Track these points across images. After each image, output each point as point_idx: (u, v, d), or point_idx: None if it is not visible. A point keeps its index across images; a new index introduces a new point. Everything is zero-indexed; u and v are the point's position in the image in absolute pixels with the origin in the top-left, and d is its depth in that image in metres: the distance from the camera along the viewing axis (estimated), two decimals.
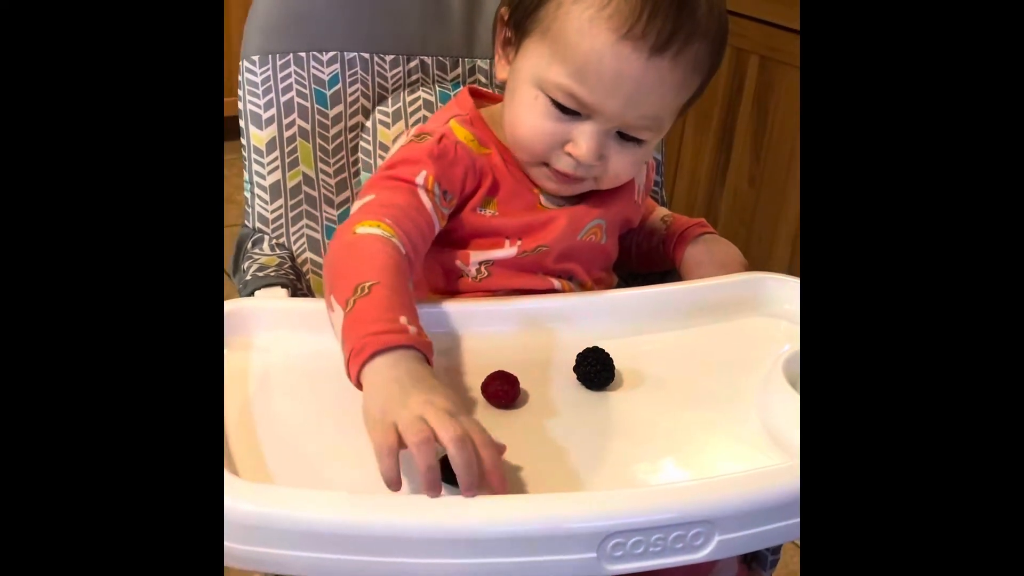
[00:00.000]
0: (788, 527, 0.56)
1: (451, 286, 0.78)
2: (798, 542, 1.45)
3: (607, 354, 0.69)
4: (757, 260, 1.68)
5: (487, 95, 0.86)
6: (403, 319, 0.61)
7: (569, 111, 0.73)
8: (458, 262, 0.78)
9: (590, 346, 0.70)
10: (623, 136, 0.75)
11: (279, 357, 0.69)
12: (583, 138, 0.73)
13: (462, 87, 0.86)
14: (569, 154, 0.75)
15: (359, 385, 0.59)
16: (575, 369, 0.69)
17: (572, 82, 0.71)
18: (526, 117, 0.75)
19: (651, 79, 0.71)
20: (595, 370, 0.68)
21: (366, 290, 0.63)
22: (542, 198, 0.80)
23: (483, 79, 0.96)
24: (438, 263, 0.78)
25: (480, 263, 0.77)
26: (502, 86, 0.80)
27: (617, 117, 0.73)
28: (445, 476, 0.53)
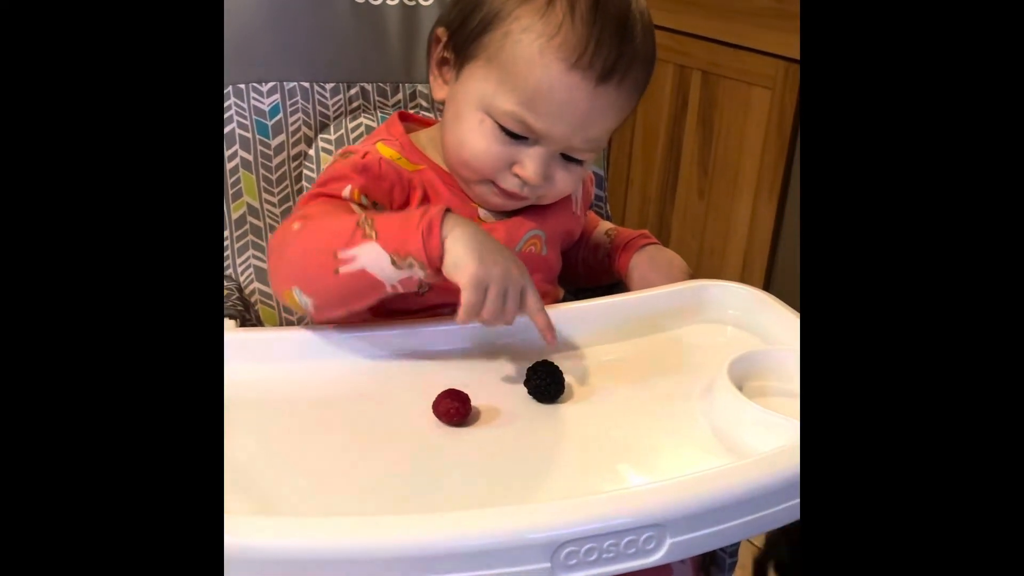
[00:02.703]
0: (739, 526, 0.57)
1: (394, 304, 0.78)
2: (752, 540, 1.45)
3: (556, 367, 0.70)
4: (709, 271, 1.70)
5: (417, 119, 0.87)
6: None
7: (516, 135, 0.74)
8: None
9: (539, 360, 0.70)
10: (566, 157, 0.77)
11: (229, 389, 0.68)
12: (530, 161, 0.75)
13: (394, 113, 0.87)
14: (516, 175, 0.76)
15: (441, 254, 0.66)
16: (525, 383, 0.70)
17: (522, 109, 0.73)
18: (472, 139, 0.76)
19: (598, 105, 0.73)
20: (545, 383, 0.69)
21: (369, 220, 0.68)
22: (480, 212, 0.81)
23: (424, 103, 0.97)
24: None
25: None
26: (440, 104, 0.81)
27: (564, 141, 0.75)
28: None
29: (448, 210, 0.68)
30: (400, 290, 0.69)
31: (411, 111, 0.96)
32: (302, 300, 0.70)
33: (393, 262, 0.66)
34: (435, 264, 0.66)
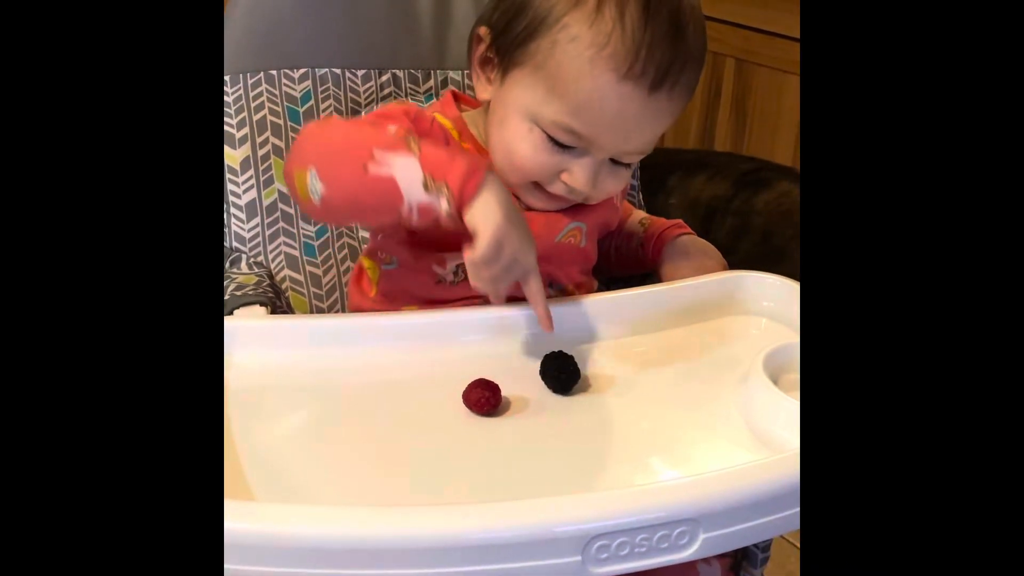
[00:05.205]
0: (773, 523, 0.56)
1: (431, 294, 0.78)
2: (793, 540, 1.44)
3: (569, 356, 0.69)
4: None
5: (467, 100, 0.85)
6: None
7: (565, 145, 0.73)
8: (435, 267, 0.77)
9: (553, 351, 0.69)
10: (614, 161, 0.75)
11: (258, 376, 0.69)
12: (580, 170, 0.74)
13: (447, 91, 0.86)
14: (564, 182, 0.75)
15: (473, 196, 0.66)
16: (541, 374, 0.69)
17: (571, 120, 0.71)
18: (520, 148, 0.74)
19: (651, 113, 0.72)
20: (556, 374, 0.68)
21: (416, 139, 0.68)
22: (520, 199, 0.79)
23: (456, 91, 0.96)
24: (416, 272, 0.78)
25: (457, 266, 0.77)
26: (484, 103, 0.80)
27: (614, 149, 0.74)
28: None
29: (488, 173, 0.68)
30: (413, 218, 0.67)
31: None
32: (313, 185, 0.68)
33: (425, 184, 0.66)
34: (464, 201, 0.66)
